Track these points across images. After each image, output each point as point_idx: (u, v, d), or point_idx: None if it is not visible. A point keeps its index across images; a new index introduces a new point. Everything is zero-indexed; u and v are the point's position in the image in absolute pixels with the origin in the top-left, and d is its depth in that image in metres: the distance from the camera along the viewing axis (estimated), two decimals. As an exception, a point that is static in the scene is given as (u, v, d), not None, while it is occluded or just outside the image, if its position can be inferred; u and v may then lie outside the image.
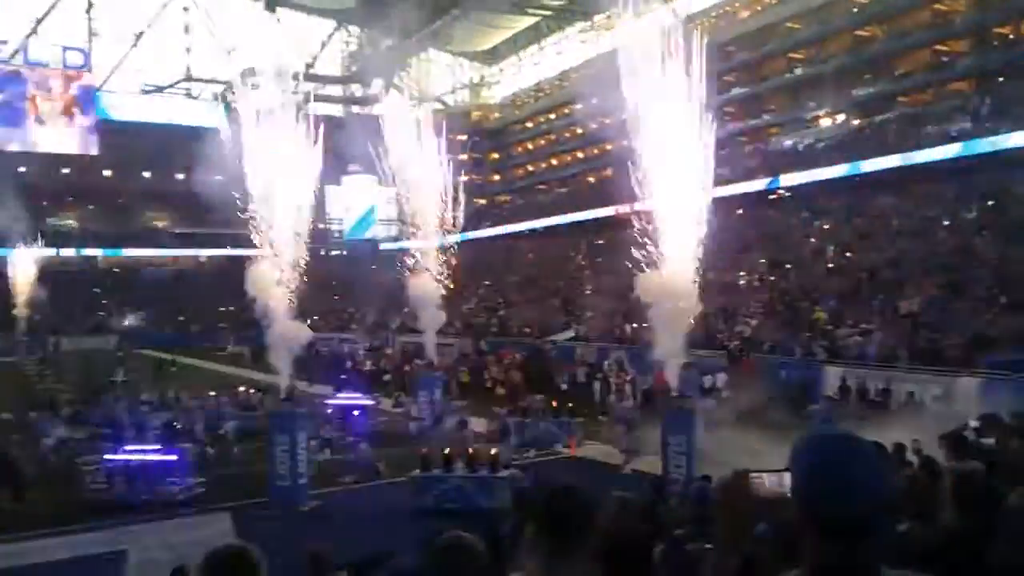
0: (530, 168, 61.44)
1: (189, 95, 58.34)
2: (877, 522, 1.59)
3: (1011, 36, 30.30)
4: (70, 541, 12.38)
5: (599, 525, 2.26)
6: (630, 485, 10.58)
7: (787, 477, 1.68)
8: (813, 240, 32.08)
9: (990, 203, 26.93)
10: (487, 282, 45.25)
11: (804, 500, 1.60)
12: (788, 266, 30.52)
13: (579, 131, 50.57)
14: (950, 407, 17.22)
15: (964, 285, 23.13)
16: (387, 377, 29.05)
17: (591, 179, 50.56)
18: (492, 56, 64.04)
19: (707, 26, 42.09)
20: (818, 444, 1.64)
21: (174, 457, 14.85)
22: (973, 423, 11.65)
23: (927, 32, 32.96)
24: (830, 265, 29.27)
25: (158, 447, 15.22)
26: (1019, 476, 3.79)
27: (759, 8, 41.79)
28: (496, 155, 63.53)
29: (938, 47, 33.28)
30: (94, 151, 54.98)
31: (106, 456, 14.94)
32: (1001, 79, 30.29)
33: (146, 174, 57.58)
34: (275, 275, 15.79)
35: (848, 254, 29.26)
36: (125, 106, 55.78)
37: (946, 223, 27.42)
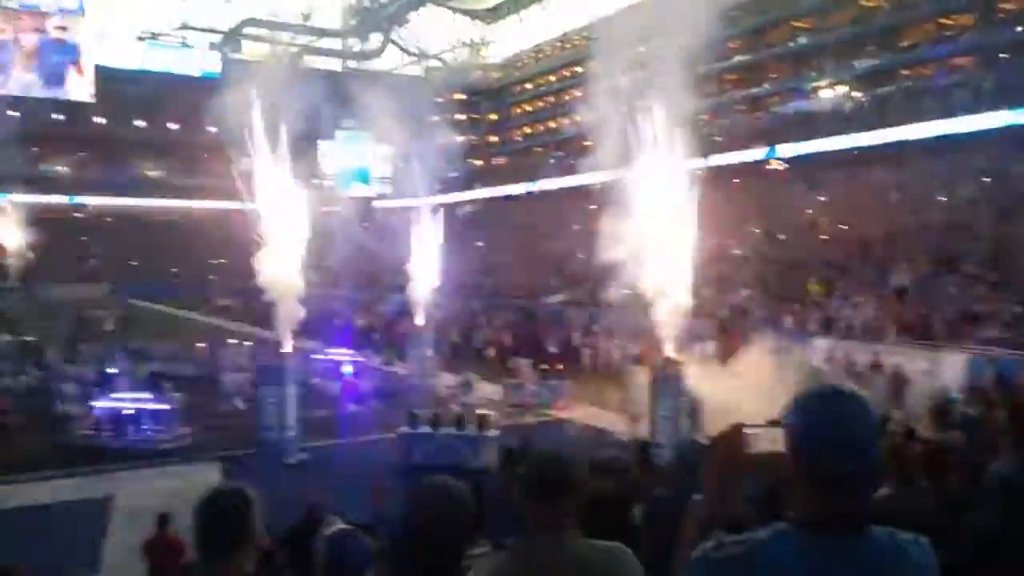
0: (528, 131, 60.96)
1: (185, 44, 57.46)
2: (869, 478, 1.62)
3: (1017, 13, 30.03)
4: (56, 486, 12.46)
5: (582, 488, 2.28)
6: (617, 447, 10.68)
7: (780, 432, 1.68)
8: (809, 211, 32.05)
9: (986, 180, 26.90)
10: (480, 243, 45.15)
11: (800, 453, 1.62)
12: (782, 237, 30.51)
13: (579, 94, 50.12)
14: (937, 381, 17.41)
15: (956, 261, 23.20)
16: (377, 336, 29.08)
17: (588, 143, 50.15)
18: (493, 15, 63.15)
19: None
20: (816, 398, 1.65)
21: (164, 406, 14.91)
22: (956, 395, 11.78)
23: (932, 5, 32.63)
24: (824, 237, 29.29)
25: (147, 395, 15.27)
26: (1000, 446, 3.83)
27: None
28: (494, 116, 62.99)
29: (942, 20, 32.97)
30: (87, 98, 54.27)
31: (95, 403, 14.99)
32: (1004, 56, 30.08)
33: (140, 123, 56.95)
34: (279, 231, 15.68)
35: (842, 227, 29.26)
36: (119, 53, 54.94)
37: (941, 199, 27.40)
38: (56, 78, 53.08)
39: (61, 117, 54.97)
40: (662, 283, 13.68)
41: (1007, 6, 30.36)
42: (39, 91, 52.65)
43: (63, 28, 53.07)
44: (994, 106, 27.14)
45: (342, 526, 5.52)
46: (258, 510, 2.37)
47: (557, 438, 16.06)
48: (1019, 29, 29.07)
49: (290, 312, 15.45)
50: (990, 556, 2.98)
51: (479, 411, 14.69)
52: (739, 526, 1.71)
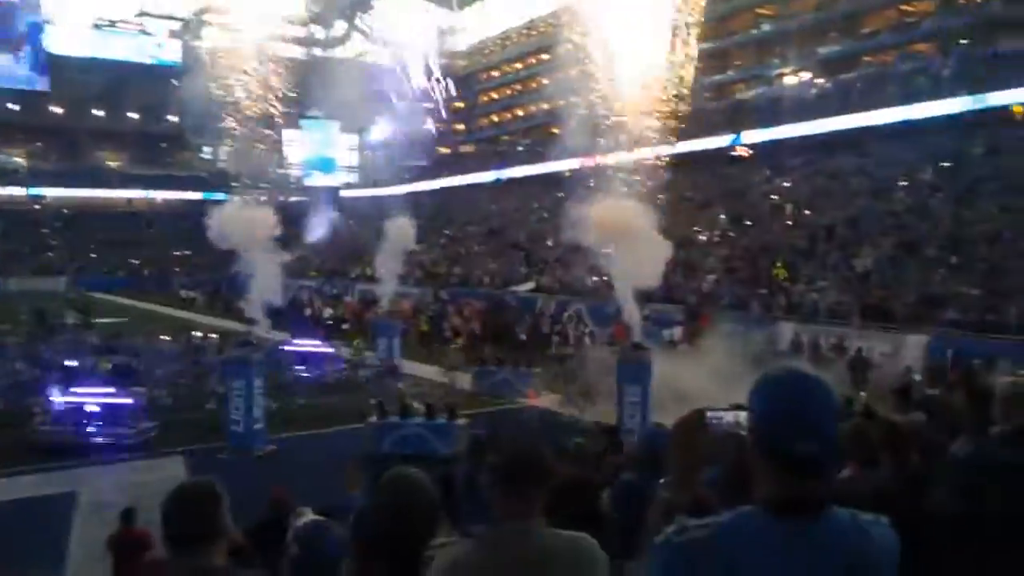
0: (495, 119, 60.78)
1: (144, 31, 56.36)
2: (829, 460, 1.62)
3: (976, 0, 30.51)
4: (18, 482, 12.22)
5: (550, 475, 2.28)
6: (586, 434, 10.72)
7: (744, 416, 1.69)
8: (774, 197, 32.39)
9: (946, 165, 27.38)
10: (448, 232, 45.01)
11: (762, 435, 1.62)
12: (748, 223, 30.82)
13: (545, 82, 50.13)
14: (899, 363, 17.73)
15: (917, 245, 23.61)
16: (346, 326, 28.90)
17: (555, 131, 50.21)
18: (458, 2, 62.74)
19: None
20: (777, 381, 1.66)
21: (126, 400, 14.68)
22: (918, 376, 11.98)
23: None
24: (789, 222, 29.63)
25: (110, 390, 15.01)
26: (961, 428, 3.89)
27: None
28: (461, 104, 62.72)
29: (903, 7, 33.39)
30: (43, 87, 53.04)
31: (56, 398, 14.71)
32: (963, 41, 30.56)
33: (98, 112, 55.81)
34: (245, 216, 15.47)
35: (807, 212, 29.63)
36: (77, 41, 53.72)
37: (903, 184, 27.84)
38: (9, 65, 51.72)
39: (16, 107, 53.70)
40: (629, 269, 13.74)
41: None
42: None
43: (19, 13, 51.71)
44: (953, 92, 27.58)
45: (314, 517, 5.47)
46: (226, 504, 2.34)
47: (525, 426, 16.09)
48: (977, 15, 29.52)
49: (256, 303, 15.29)
50: (950, 535, 3.03)
51: (448, 400, 14.67)
52: (703, 509, 1.72)
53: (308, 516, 5.52)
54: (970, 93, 26.87)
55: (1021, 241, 21.18)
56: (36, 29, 52.62)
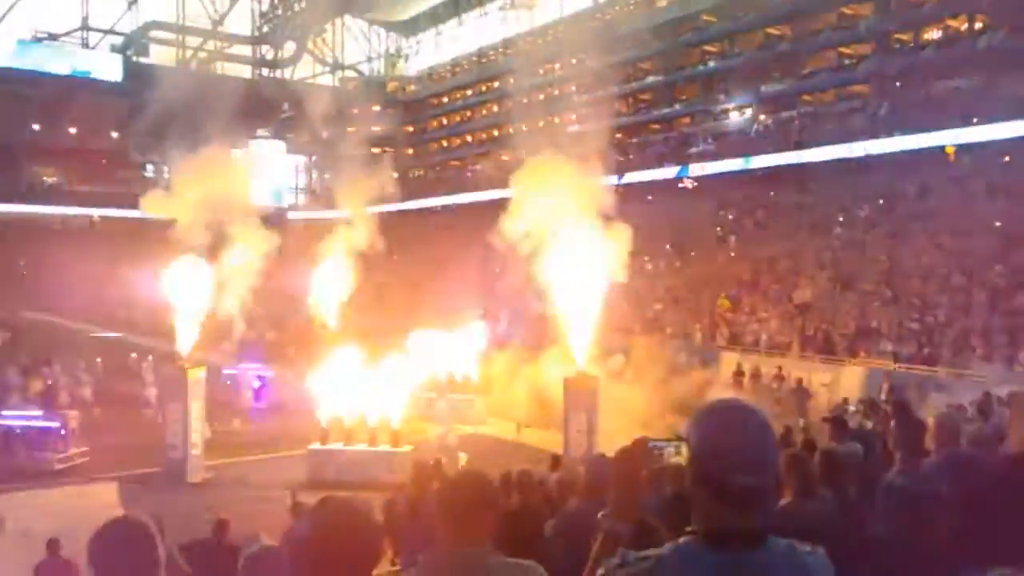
0: (444, 144, 60.91)
1: (85, 45, 55.17)
2: (767, 492, 1.63)
3: (910, 43, 31.72)
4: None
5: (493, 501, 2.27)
6: (529, 460, 10.70)
7: (684, 447, 1.70)
8: (718, 229, 33.02)
9: (880, 202, 28.29)
10: (396, 257, 44.73)
11: (700, 467, 1.63)
12: (693, 253, 31.35)
13: (495, 109, 50.45)
14: (837, 394, 18.15)
15: (854, 278, 24.28)
16: (290, 350, 28.40)
17: (505, 158, 50.50)
18: (410, 27, 62.95)
19: (624, 14, 42.57)
20: (716, 413, 1.67)
21: (54, 424, 14.18)
22: (853, 407, 12.26)
23: (832, 34, 34.18)
24: (732, 254, 30.23)
25: (38, 413, 14.50)
26: (894, 457, 4.00)
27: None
28: (411, 128, 62.72)
29: (842, 49, 34.55)
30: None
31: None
32: (898, 84, 31.72)
33: (35, 126, 54.28)
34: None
35: (749, 244, 30.27)
36: (14, 53, 52.31)
37: (840, 219, 28.66)
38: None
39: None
40: (576, 298, 13.85)
41: (902, 36, 32.06)
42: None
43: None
44: (889, 131, 28.55)
45: (265, 544, 5.33)
46: (157, 540, 2.22)
47: (471, 452, 15.99)
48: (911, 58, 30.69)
49: (195, 325, 14.97)
50: (885, 563, 3.10)
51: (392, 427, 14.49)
52: (646, 537, 1.73)
53: (261, 543, 5.38)
54: (904, 132, 27.84)
55: (953, 276, 21.94)
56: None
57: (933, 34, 31.31)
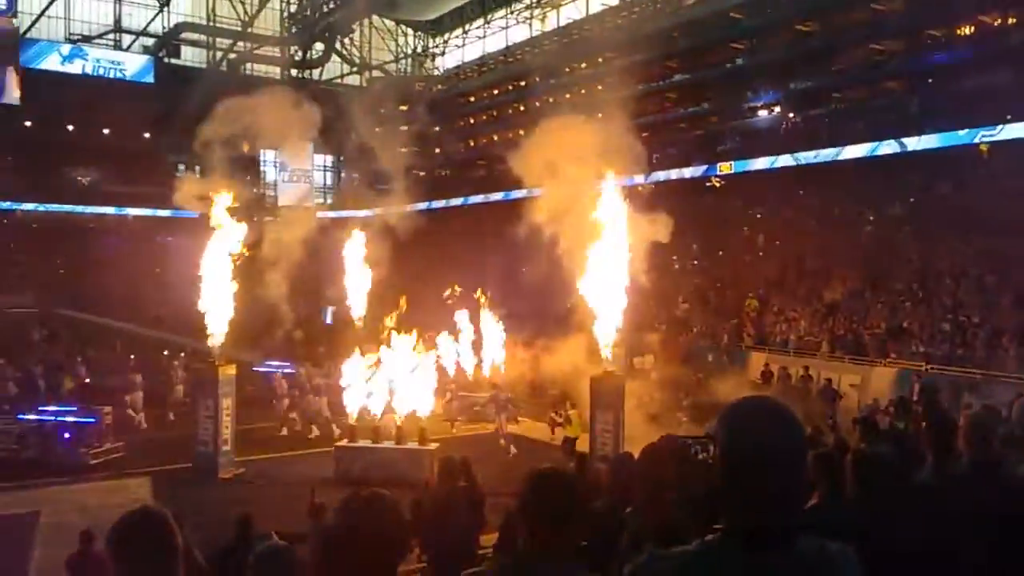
0: (471, 143, 61.02)
1: (118, 46, 55.99)
2: (795, 493, 1.62)
3: (942, 39, 31.22)
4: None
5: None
6: (557, 460, 10.71)
7: (711, 445, 1.69)
8: (746, 228, 32.77)
9: (912, 200, 27.90)
10: (422, 256, 44.88)
11: (728, 466, 1.61)
12: (720, 253, 31.14)
13: (522, 108, 50.42)
14: (867, 394, 17.94)
15: (884, 278, 23.97)
16: (322, 350, 28.61)
17: (531, 157, 50.31)
18: (436, 27, 63.12)
19: (651, 12, 42.37)
20: (742, 414, 1.65)
21: (92, 420, 14.44)
22: (885, 408, 12.11)
23: (862, 30, 33.74)
24: (760, 253, 29.98)
25: (75, 408, 14.77)
26: (925, 457, 3.96)
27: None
28: (437, 128, 62.88)
29: (873, 46, 34.07)
30: (14, 101, 52.37)
31: (19, 416, 14.44)
32: (930, 80, 31.24)
33: (70, 127, 55.18)
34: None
35: (777, 243, 30.01)
36: (49, 55, 53.21)
37: (871, 217, 28.30)
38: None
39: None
40: (603, 296, 13.83)
41: (934, 32, 31.55)
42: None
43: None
44: (921, 128, 28.13)
45: (277, 541, 5.40)
46: (176, 531, 2.25)
47: (497, 451, 16.05)
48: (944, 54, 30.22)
49: (225, 323, 15.14)
50: (914, 565, 3.07)
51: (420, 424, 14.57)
52: (673, 534, 1.73)
53: (272, 540, 5.45)
54: (936, 131, 27.43)
55: (986, 276, 21.58)
56: (10, 43, 52.09)
57: (966, 30, 30.75)
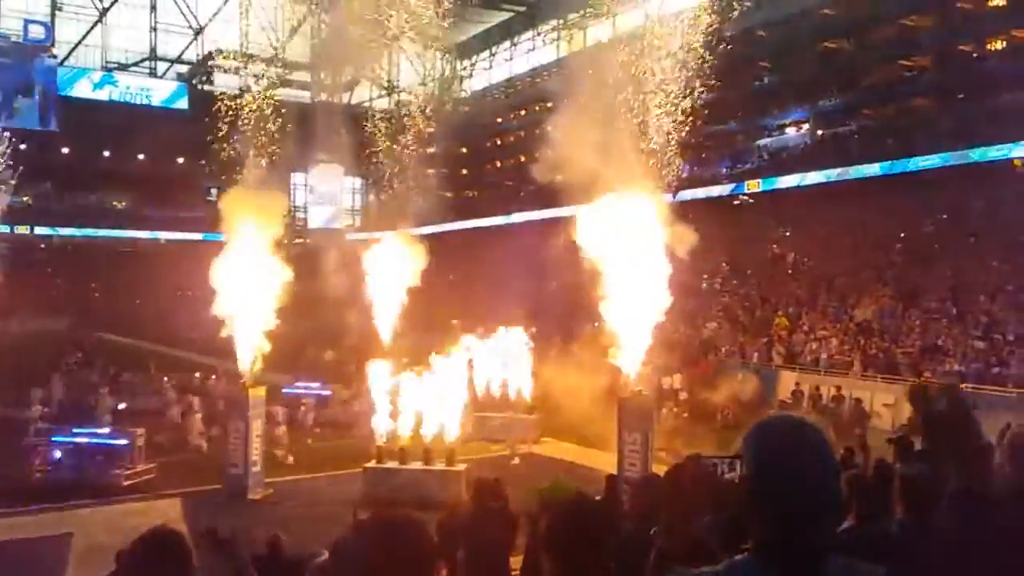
0: (499, 164, 61.35)
1: (153, 74, 57.19)
2: (825, 512, 1.59)
3: (973, 55, 30.91)
4: (14, 523, 12.12)
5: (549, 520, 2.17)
6: (584, 481, 10.65)
7: (739, 464, 1.67)
8: (775, 247, 32.50)
9: (944, 216, 27.53)
10: (451, 276, 45.08)
11: (755, 486, 1.60)
12: (749, 272, 30.89)
13: (550, 129, 50.67)
14: (901, 414, 17.61)
15: (917, 296, 23.63)
16: (350, 368, 28.74)
17: (559, 178, 50.40)
18: (463, 50, 63.74)
19: (678, 30, 42.34)
20: (772, 432, 1.63)
21: (123, 441, 14.60)
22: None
23: (891, 46, 33.51)
24: (790, 271, 29.70)
25: (107, 431, 14.96)
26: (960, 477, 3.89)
27: (729, 15, 42.04)
28: (465, 149, 63.30)
29: (903, 62, 33.81)
30: (53, 127, 53.61)
31: (53, 438, 14.65)
32: (961, 96, 30.90)
33: (105, 153, 56.34)
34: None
35: (807, 261, 29.71)
36: (85, 83, 54.47)
37: (902, 234, 27.95)
38: (20, 106, 52.45)
39: (24, 146, 54.12)
40: (630, 317, 13.78)
41: (964, 47, 31.25)
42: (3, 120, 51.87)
43: (31, 55, 52.54)
44: (952, 146, 27.79)
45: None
46: (190, 551, 2.26)
47: (527, 473, 15.96)
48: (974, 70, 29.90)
49: (254, 345, 15.29)
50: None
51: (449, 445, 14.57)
52: (700, 555, 1.72)
53: (324, 556, 5.52)
54: (968, 147, 27.08)
55: (1020, 293, 21.19)
56: (48, 70, 53.42)
57: (997, 44, 30.43)
